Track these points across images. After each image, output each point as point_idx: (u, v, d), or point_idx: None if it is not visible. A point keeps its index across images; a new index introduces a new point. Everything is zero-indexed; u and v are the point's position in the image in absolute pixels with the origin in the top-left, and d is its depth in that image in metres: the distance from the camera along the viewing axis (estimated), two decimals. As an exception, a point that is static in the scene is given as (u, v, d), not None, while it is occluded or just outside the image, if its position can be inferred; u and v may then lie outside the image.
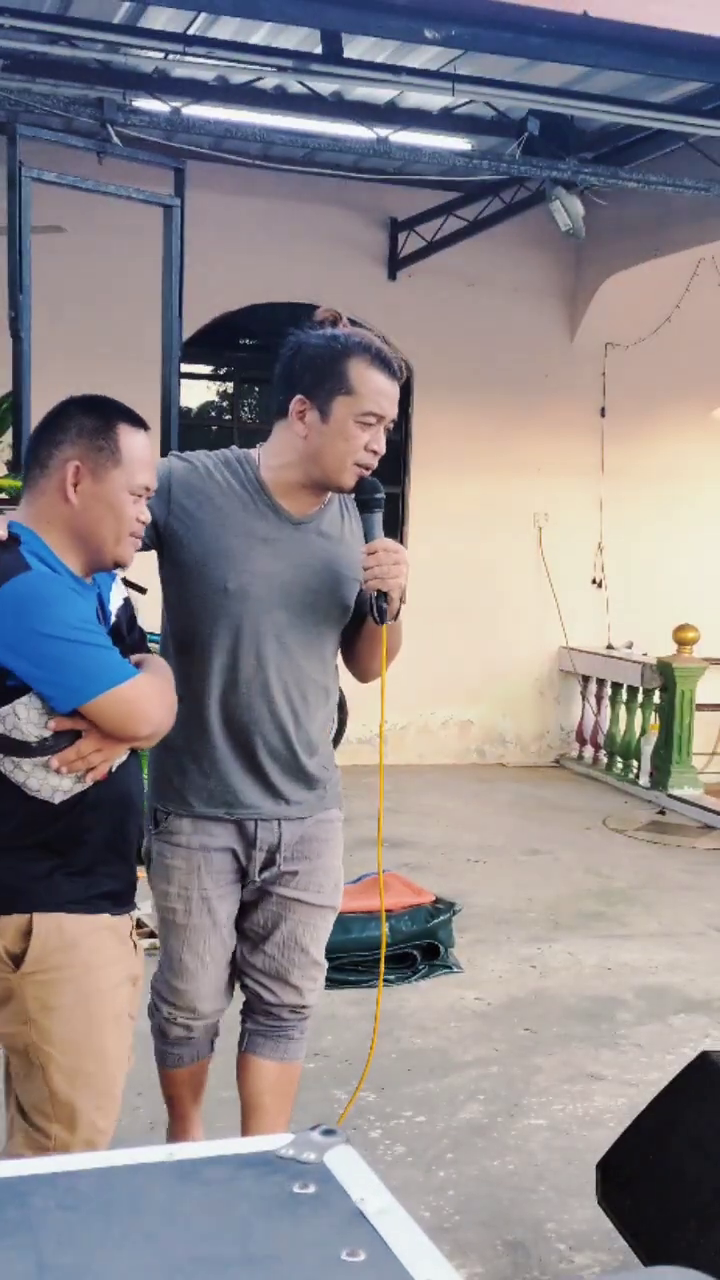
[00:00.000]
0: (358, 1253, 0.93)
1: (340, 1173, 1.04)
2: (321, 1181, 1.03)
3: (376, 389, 2.42)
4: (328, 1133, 1.09)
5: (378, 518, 2.48)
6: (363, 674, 2.69)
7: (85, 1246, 0.94)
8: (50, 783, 2.02)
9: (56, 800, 2.04)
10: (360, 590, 2.55)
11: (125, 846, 2.18)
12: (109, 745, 2.05)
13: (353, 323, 2.54)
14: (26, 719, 1.99)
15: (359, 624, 2.60)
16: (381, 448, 2.46)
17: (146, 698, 2.07)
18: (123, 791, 2.15)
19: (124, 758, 2.13)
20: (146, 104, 6.34)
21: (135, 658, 2.15)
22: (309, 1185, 1.02)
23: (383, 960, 2.81)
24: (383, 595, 2.42)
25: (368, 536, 2.47)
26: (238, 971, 2.69)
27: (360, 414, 2.41)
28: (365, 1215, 0.98)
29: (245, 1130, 2.69)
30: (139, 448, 2.10)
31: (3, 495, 6.08)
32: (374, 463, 2.46)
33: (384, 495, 2.51)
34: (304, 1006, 2.70)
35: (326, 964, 2.73)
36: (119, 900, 2.16)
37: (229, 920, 2.62)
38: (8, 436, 5.54)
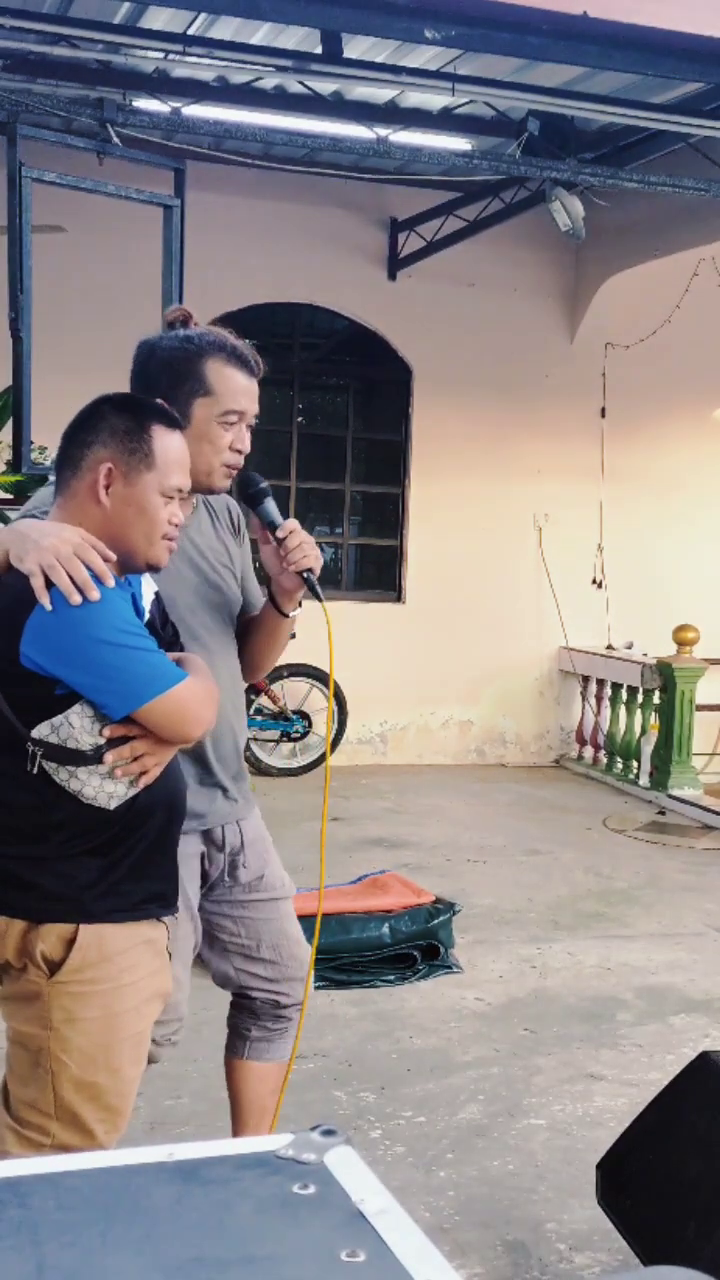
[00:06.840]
0: (357, 1253, 0.93)
1: (340, 1173, 1.04)
2: (321, 1182, 1.02)
3: (235, 388, 2.35)
4: (328, 1133, 1.09)
5: (270, 504, 2.43)
6: (255, 671, 2.66)
7: (85, 1246, 0.94)
8: (106, 789, 2.00)
9: (112, 806, 2.02)
10: (243, 584, 2.56)
11: (171, 846, 2.18)
12: (161, 748, 2.04)
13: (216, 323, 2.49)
14: (81, 728, 1.97)
15: (249, 620, 2.59)
16: (246, 446, 2.39)
17: (197, 700, 2.06)
18: (170, 791, 2.14)
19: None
20: (146, 104, 6.34)
21: (173, 656, 2.13)
22: (309, 1186, 1.02)
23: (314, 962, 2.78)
24: (311, 572, 2.39)
25: (271, 524, 2.41)
26: (238, 988, 2.68)
27: (220, 414, 2.35)
28: (365, 1216, 0.98)
29: (246, 1131, 2.70)
30: (173, 449, 2.06)
31: (2, 494, 6.09)
32: (240, 462, 2.40)
33: (267, 484, 2.46)
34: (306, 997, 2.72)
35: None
36: (165, 901, 2.16)
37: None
38: (8, 437, 5.54)
